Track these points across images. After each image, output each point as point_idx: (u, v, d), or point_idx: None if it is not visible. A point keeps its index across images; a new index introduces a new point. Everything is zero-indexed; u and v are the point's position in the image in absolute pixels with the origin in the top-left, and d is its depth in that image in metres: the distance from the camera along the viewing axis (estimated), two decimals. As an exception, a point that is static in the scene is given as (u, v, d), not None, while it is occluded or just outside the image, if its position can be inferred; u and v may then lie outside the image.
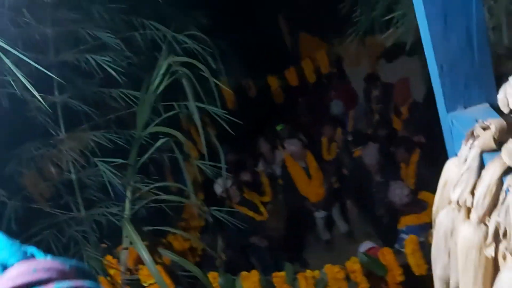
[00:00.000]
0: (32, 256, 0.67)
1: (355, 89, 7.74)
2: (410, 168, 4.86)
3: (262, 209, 5.23)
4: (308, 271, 3.53)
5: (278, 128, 6.39)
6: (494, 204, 0.73)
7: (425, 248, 3.37)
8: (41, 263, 0.63)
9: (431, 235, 3.18)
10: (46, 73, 2.24)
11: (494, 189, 0.72)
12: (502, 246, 0.72)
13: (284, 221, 5.40)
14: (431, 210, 3.14)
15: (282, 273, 3.52)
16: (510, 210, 0.68)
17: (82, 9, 3.36)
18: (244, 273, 3.58)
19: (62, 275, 0.63)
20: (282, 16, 8.57)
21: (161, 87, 3.19)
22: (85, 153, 3.19)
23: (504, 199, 0.70)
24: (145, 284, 3.49)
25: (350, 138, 6.16)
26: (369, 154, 5.05)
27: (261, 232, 5.17)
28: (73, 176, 3.33)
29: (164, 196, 3.46)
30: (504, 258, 0.71)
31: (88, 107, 3.25)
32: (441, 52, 0.84)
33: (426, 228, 3.76)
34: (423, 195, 4.12)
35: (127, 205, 3.32)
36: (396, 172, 4.89)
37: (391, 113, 6.29)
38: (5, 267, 0.63)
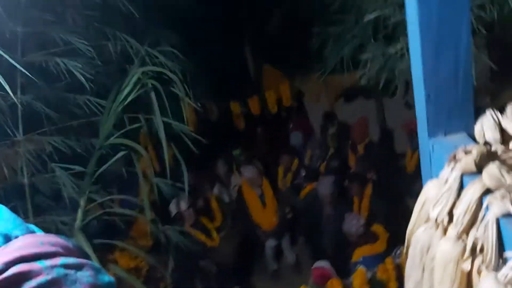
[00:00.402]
0: (33, 231, 0.66)
1: (312, 124, 7.96)
2: (364, 202, 5.01)
3: (214, 234, 5.19)
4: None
5: (235, 153, 6.43)
6: (472, 222, 0.79)
7: (374, 283, 3.46)
8: (47, 237, 0.63)
9: (380, 269, 3.28)
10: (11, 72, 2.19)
11: (473, 207, 0.78)
12: (477, 261, 0.78)
13: (235, 248, 5.37)
14: (383, 241, 3.28)
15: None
16: (489, 227, 0.74)
17: (55, 12, 3.33)
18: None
19: (67, 251, 0.63)
20: (249, 46, 8.74)
21: (129, 98, 3.17)
22: (42, 157, 3.09)
23: (484, 216, 0.76)
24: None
25: (303, 173, 6.29)
26: (324, 185, 5.17)
27: (211, 257, 5.12)
28: (25, 180, 3.20)
29: (118, 210, 3.40)
30: (479, 272, 0.77)
31: (51, 111, 3.17)
32: (430, 82, 0.92)
33: (379, 259, 3.88)
34: (375, 227, 4.26)
35: (79, 214, 3.22)
36: (349, 205, 5.02)
37: (347, 150, 6.48)
38: (8, 238, 0.62)
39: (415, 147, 5.46)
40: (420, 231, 0.91)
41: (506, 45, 3.93)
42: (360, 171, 5.45)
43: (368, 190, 5.01)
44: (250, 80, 8.79)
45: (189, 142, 3.37)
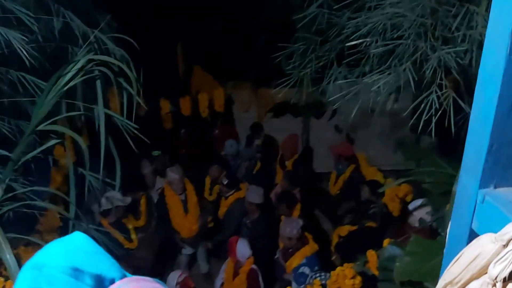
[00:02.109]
0: (125, 275, 0.59)
1: (238, 133, 7.94)
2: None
3: (133, 236, 4.91)
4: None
5: (154, 153, 6.18)
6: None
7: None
8: (151, 283, 0.55)
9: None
10: None
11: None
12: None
13: (152, 253, 5.13)
14: (313, 242, 3.31)
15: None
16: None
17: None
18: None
19: None
20: (181, 44, 8.52)
21: (72, 83, 2.88)
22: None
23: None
24: (-10, 300, 2.98)
25: (225, 182, 6.20)
26: (255, 194, 5.13)
27: (127, 259, 4.83)
28: None
29: (41, 203, 3.07)
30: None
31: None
32: (497, 134, 0.90)
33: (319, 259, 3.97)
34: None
35: (-6, 204, 2.86)
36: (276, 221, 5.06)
37: (273, 164, 6.51)
38: (101, 281, 0.54)
39: (340, 172, 5.64)
40: (475, 284, 0.88)
41: None
42: (287, 188, 5.49)
43: (296, 211, 5.06)
44: (178, 79, 8.58)
45: (129, 139, 3.15)
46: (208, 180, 5.98)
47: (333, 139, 7.14)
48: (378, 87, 2.61)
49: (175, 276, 4.35)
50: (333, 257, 4.22)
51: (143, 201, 5.74)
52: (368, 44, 2.47)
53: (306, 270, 4.24)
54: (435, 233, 3.32)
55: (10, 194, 2.93)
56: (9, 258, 2.65)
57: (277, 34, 5.98)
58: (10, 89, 3.00)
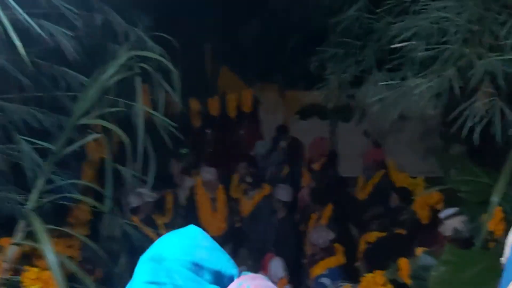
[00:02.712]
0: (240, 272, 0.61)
1: (263, 135, 7.95)
2: (322, 221, 5.03)
3: (163, 232, 4.93)
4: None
5: (182, 151, 6.21)
6: None
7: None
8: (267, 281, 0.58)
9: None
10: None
11: None
12: None
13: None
14: (340, 255, 3.30)
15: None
16: None
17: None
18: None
19: None
20: (209, 44, 8.56)
21: (114, 79, 2.93)
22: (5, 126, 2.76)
23: None
24: (26, 289, 3.02)
25: (249, 180, 6.18)
26: (284, 191, 5.13)
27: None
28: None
29: (79, 196, 3.12)
30: None
31: (24, 77, 2.84)
32: None
33: (342, 271, 3.93)
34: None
35: (35, 195, 2.91)
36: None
37: (299, 166, 6.49)
38: (220, 277, 0.55)
39: (368, 177, 5.58)
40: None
41: None
42: (319, 189, 5.48)
43: (328, 211, 5.05)
44: (205, 79, 8.62)
45: (166, 137, 3.18)
46: (236, 178, 5.97)
47: (361, 143, 7.09)
48: (420, 91, 2.58)
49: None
50: (358, 264, 4.15)
51: (169, 199, 5.79)
52: (412, 48, 2.44)
53: (326, 281, 4.16)
54: (469, 243, 3.26)
55: (50, 186, 2.99)
56: (48, 249, 2.70)
57: (309, 37, 5.99)
58: (52, 83, 3.05)
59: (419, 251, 3.27)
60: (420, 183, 5.13)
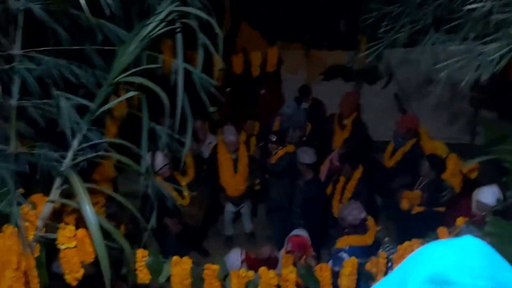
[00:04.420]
0: None
1: (284, 95, 7.79)
2: (350, 183, 4.96)
3: (186, 193, 4.90)
4: (242, 270, 3.34)
5: (210, 109, 6.08)
6: None
7: (362, 274, 3.42)
8: None
9: (371, 262, 3.22)
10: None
11: None
12: None
13: (203, 210, 5.13)
14: (371, 234, 3.20)
15: (215, 266, 3.28)
16: None
17: None
18: (175, 258, 3.27)
19: None
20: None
21: (155, 34, 2.77)
22: (44, 80, 2.64)
23: None
24: (61, 247, 2.98)
25: (273, 138, 6.09)
26: (307, 154, 5.05)
27: (178, 216, 4.85)
28: (13, 102, 2.73)
29: (115, 155, 3.03)
30: None
31: (59, 27, 2.69)
32: None
33: (365, 251, 3.86)
34: (369, 219, 4.22)
35: (71, 153, 2.83)
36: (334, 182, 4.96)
37: (322, 128, 6.35)
38: None
39: (399, 144, 5.44)
40: None
41: None
42: (349, 150, 5.39)
43: (358, 173, 4.96)
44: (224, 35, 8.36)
45: (204, 96, 3.05)
46: (243, 136, 5.85)
47: (384, 107, 6.93)
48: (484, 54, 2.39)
49: (237, 254, 4.31)
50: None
51: (190, 158, 5.72)
52: (483, 8, 2.25)
53: (345, 256, 4.09)
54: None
55: (85, 144, 2.89)
56: (87, 208, 2.64)
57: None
58: (89, 37, 2.90)
59: (460, 221, 3.19)
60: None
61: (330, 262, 4.04)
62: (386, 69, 6.82)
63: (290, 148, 5.55)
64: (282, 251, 4.32)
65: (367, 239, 4.06)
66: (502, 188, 3.54)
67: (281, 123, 6.36)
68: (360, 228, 4.12)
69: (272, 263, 4.35)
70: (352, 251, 3.92)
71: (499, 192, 3.73)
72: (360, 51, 6.53)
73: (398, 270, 0.81)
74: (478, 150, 4.70)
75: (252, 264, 4.21)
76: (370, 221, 4.18)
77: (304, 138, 6.15)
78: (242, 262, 4.17)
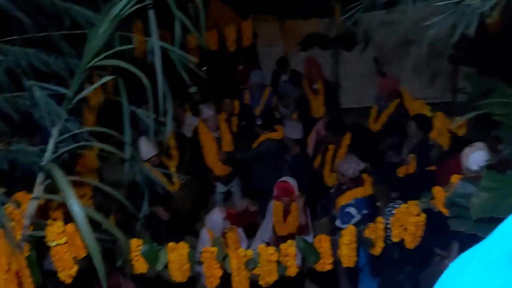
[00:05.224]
0: None
1: (262, 69, 7.65)
2: (340, 151, 4.92)
3: (175, 180, 4.78)
4: (241, 249, 3.28)
5: (191, 90, 5.95)
6: None
7: (361, 241, 3.39)
8: None
9: (369, 228, 3.19)
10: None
11: None
12: None
13: (193, 196, 5.01)
14: (368, 185, 3.21)
15: (213, 249, 3.22)
16: None
17: None
18: (171, 244, 3.19)
19: None
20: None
21: (126, 12, 2.62)
22: (13, 72, 2.48)
23: None
24: (51, 244, 2.87)
25: (258, 122, 6.00)
26: (294, 129, 4.98)
27: (167, 203, 4.74)
28: (-17, 98, 2.57)
29: (97, 144, 2.90)
30: None
31: (24, 16, 2.52)
32: None
33: (369, 202, 3.87)
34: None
35: (51, 145, 2.69)
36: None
37: (306, 94, 6.27)
38: None
39: (382, 107, 5.41)
40: None
41: None
42: (333, 117, 5.34)
43: (347, 139, 4.92)
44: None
45: (185, 75, 2.92)
46: (224, 115, 5.76)
47: (365, 73, 6.88)
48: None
49: (218, 213, 4.26)
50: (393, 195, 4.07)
51: (172, 140, 5.59)
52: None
53: (352, 210, 4.14)
54: (508, 166, 3.15)
55: (65, 136, 2.75)
56: (73, 201, 2.52)
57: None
58: (55, 22, 2.74)
59: (454, 178, 3.16)
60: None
61: (338, 221, 4.10)
62: (364, 34, 6.73)
63: (277, 134, 5.40)
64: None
65: (367, 189, 4.13)
66: (494, 141, 3.51)
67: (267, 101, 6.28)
68: (359, 180, 4.17)
69: (249, 215, 4.51)
70: (358, 204, 4.00)
71: (486, 153, 3.71)
72: (335, 18, 6.42)
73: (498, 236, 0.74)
74: (461, 107, 4.71)
75: (234, 219, 4.26)
76: (366, 176, 4.27)
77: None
78: (224, 219, 4.13)
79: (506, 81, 3.46)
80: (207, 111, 5.22)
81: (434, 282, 0.77)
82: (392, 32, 4.90)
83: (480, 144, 3.74)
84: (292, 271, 3.32)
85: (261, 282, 3.27)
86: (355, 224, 3.59)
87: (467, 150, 3.75)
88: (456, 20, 2.21)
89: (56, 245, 2.89)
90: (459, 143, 4.22)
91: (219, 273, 3.21)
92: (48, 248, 2.87)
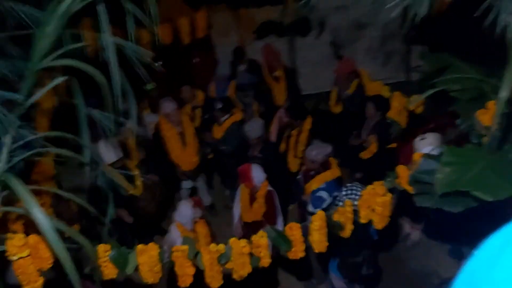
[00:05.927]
0: None
1: (218, 60, 7.56)
2: (302, 136, 4.92)
3: (138, 182, 4.66)
4: (213, 244, 3.23)
5: (148, 87, 5.80)
6: None
7: (331, 225, 3.41)
8: None
9: (337, 211, 3.22)
10: None
11: None
12: None
13: (158, 196, 4.89)
14: (335, 168, 3.24)
15: (184, 247, 3.15)
16: None
17: None
18: (140, 246, 3.10)
19: None
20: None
21: (74, 8, 2.49)
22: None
23: None
24: (13, 258, 2.73)
25: (218, 106, 5.91)
26: (254, 128, 4.95)
27: (130, 206, 4.62)
28: None
29: (54, 149, 2.77)
30: None
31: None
32: None
33: (339, 184, 3.91)
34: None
35: (5, 155, 2.55)
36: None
37: (267, 82, 6.24)
38: None
39: (342, 95, 5.44)
40: None
41: None
42: (293, 102, 5.34)
43: (308, 124, 4.93)
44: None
45: (141, 71, 2.83)
46: (189, 107, 5.66)
47: (322, 58, 6.91)
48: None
49: (187, 204, 4.20)
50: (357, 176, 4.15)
51: (131, 140, 5.45)
52: None
53: (323, 194, 4.18)
54: (466, 140, 3.24)
55: (19, 143, 2.62)
56: (37, 211, 2.40)
57: None
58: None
59: (417, 156, 3.22)
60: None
61: (310, 206, 4.11)
62: (318, 19, 6.75)
63: (237, 117, 5.38)
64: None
65: (335, 171, 4.19)
66: (452, 115, 3.58)
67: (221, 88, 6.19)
68: (327, 164, 4.22)
69: None
70: (329, 187, 4.04)
71: (438, 137, 3.79)
72: (288, 4, 6.41)
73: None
74: (416, 86, 4.80)
75: (201, 204, 4.39)
76: (332, 159, 4.37)
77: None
78: (193, 208, 4.10)
79: (459, 57, 3.55)
80: (169, 105, 5.12)
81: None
82: (345, 16, 4.94)
83: (430, 138, 3.81)
84: (266, 261, 3.30)
85: (234, 276, 3.24)
86: (325, 209, 3.61)
87: (418, 141, 3.85)
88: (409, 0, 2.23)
89: (18, 259, 2.76)
90: (417, 121, 4.32)
91: (192, 271, 3.16)
92: (9, 262, 2.73)
